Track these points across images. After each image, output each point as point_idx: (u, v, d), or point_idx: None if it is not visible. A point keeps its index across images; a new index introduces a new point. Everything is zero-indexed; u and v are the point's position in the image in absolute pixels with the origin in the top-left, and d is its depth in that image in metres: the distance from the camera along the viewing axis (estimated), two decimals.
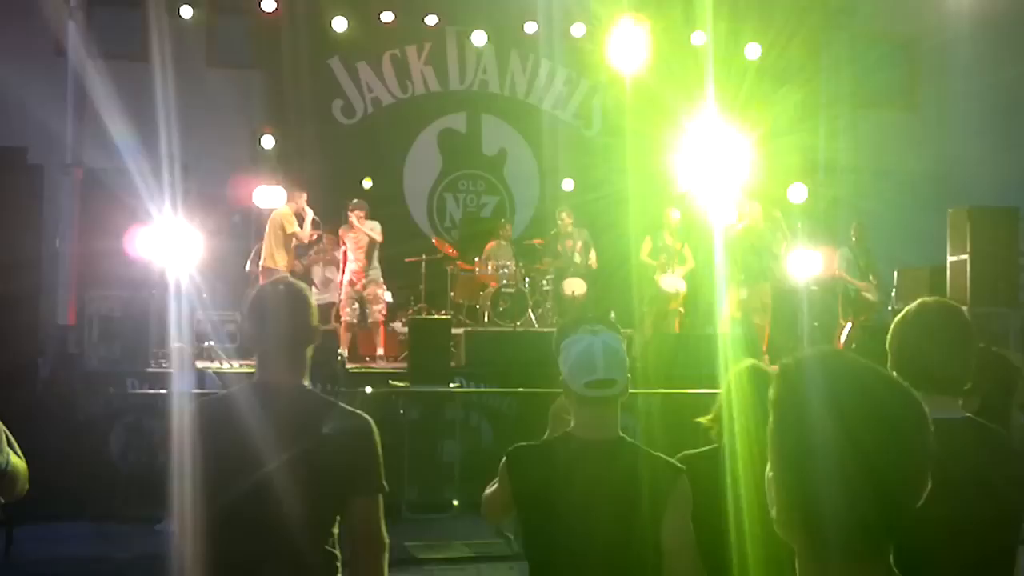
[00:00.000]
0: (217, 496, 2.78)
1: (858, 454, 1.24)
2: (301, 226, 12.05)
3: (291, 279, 3.12)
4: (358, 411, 2.98)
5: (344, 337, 12.22)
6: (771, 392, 1.33)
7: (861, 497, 1.24)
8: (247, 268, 12.44)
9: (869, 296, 13.10)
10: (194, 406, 2.96)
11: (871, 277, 13.23)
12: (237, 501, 2.75)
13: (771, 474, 1.32)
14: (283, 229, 11.93)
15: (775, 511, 1.32)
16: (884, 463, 1.24)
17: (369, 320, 12.37)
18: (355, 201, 12.51)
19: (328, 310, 12.58)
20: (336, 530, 2.94)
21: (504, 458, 3.00)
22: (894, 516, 1.27)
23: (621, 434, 2.98)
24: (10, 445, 2.96)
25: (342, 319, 12.22)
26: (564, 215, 13.54)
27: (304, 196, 12.14)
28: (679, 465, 2.91)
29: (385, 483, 2.89)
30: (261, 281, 11.40)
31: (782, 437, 1.30)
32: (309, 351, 2.98)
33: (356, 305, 12.29)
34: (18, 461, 2.98)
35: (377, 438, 2.92)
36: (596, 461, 2.86)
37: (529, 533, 2.95)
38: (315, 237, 12.54)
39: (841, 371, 1.30)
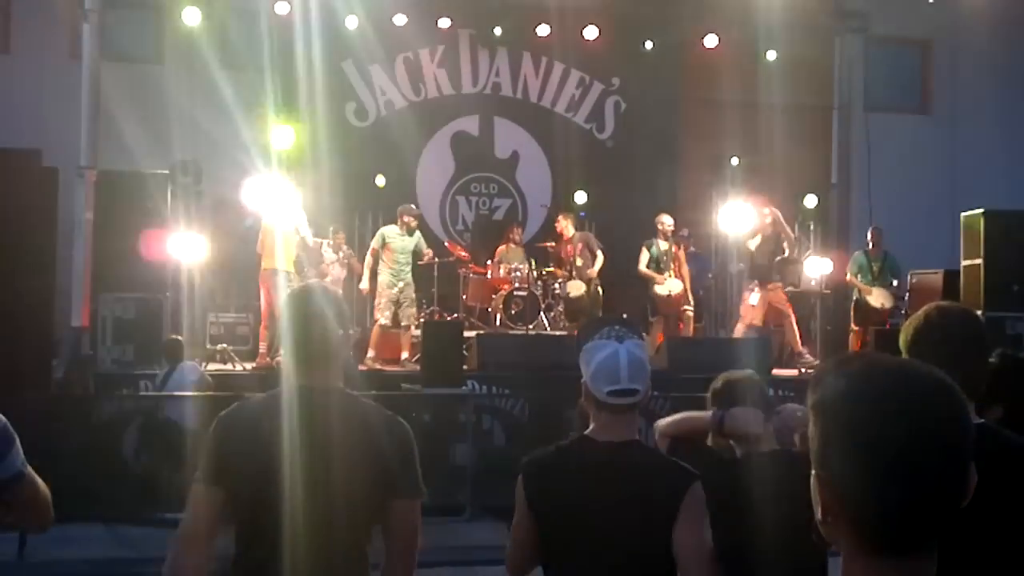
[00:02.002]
0: (258, 498, 2.78)
1: (899, 449, 1.26)
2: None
3: (326, 284, 3.16)
4: (398, 416, 3.01)
5: (376, 339, 12.22)
6: (809, 397, 1.34)
7: (904, 492, 1.26)
8: None
9: (873, 301, 12.92)
10: (232, 409, 2.97)
11: (894, 282, 13.14)
12: (277, 503, 2.75)
13: (816, 474, 1.34)
14: (297, 232, 11.93)
15: (819, 511, 1.33)
16: (924, 458, 1.26)
17: (402, 323, 12.37)
18: (406, 206, 12.54)
19: None
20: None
21: (519, 475, 2.98)
22: (936, 512, 1.28)
23: (637, 438, 2.97)
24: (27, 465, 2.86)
25: (377, 321, 12.22)
26: (560, 219, 13.53)
27: (299, 198, 12.10)
28: (693, 471, 2.89)
29: (424, 487, 2.92)
30: (264, 282, 11.42)
31: (826, 437, 1.31)
32: (344, 355, 3.03)
33: (393, 309, 12.27)
34: (36, 485, 2.81)
35: (415, 442, 2.95)
36: (611, 464, 2.85)
37: (544, 537, 2.94)
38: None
39: (882, 369, 1.31)
